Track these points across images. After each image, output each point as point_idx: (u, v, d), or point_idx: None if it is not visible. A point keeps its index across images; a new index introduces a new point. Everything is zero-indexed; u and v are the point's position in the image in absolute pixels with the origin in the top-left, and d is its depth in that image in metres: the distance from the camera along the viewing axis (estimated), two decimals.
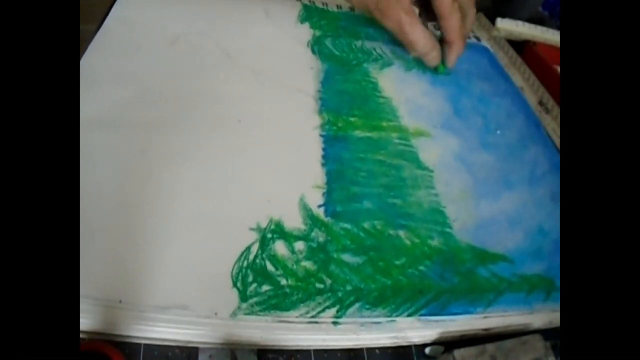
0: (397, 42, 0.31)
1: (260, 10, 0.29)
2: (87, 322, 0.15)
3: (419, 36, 0.27)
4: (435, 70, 0.30)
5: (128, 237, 0.17)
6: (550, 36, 0.36)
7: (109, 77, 0.22)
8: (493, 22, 0.36)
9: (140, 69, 0.23)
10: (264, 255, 0.18)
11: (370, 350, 0.18)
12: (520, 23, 0.36)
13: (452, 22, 0.27)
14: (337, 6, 0.34)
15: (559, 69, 0.33)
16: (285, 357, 0.17)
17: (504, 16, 0.36)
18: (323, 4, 0.34)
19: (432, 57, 0.28)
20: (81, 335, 0.15)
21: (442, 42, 0.28)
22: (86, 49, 0.23)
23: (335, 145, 0.23)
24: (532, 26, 0.36)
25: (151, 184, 0.19)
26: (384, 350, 0.18)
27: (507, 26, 0.36)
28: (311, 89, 0.26)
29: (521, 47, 0.35)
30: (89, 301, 0.15)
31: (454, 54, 0.29)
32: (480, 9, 0.40)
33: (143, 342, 0.16)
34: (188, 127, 0.21)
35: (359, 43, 0.30)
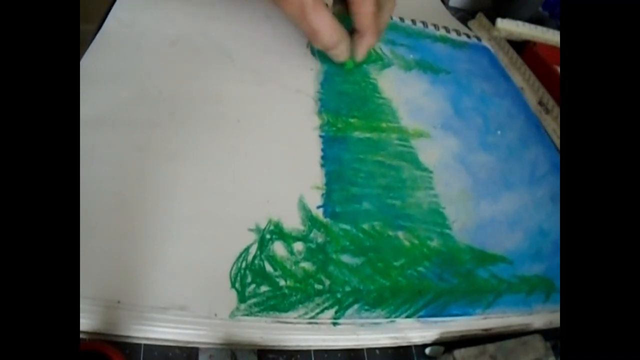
0: (397, 42, 0.31)
1: (260, 11, 0.29)
2: (87, 322, 0.15)
3: (324, 24, 0.22)
4: (341, 66, 0.26)
5: (126, 237, 0.17)
6: (550, 36, 0.36)
7: (109, 76, 0.22)
8: (493, 22, 0.36)
9: (139, 69, 0.23)
10: (263, 256, 0.18)
11: (370, 350, 0.18)
12: (520, 23, 0.36)
13: (364, 8, 0.23)
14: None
15: (559, 69, 0.33)
16: (285, 357, 0.17)
17: (504, 16, 0.36)
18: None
19: (340, 50, 0.24)
20: (81, 335, 0.15)
21: (352, 33, 0.24)
22: (86, 49, 0.23)
23: (334, 146, 0.23)
24: (532, 26, 0.36)
25: (149, 184, 0.19)
26: (383, 350, 0.18)
27: (507, 26, 0.36)
28: (310, 89, 0.26)
29: (521, 47, 0.35)
30: (87, 301, 0.15)
31: (364, 46, 0.24)
32: (480, 9, 0.40)
33: (143, 342, 0.16)
34: (187, 127, 0.21)
35: None
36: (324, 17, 0.22)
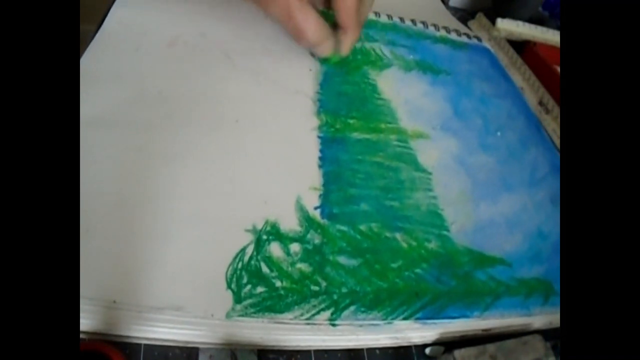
0: (397, 43, 0.31)
1: (259, 11, 0.29)
2: (87, 322, 0.15)
3: (310, 23, 0.23)
4: (325, 60, 0.26)
5: (123, 237, 0.17)
6: (550, 36, 0.36)
7: (108, 76, 0.22)
8: (493, 22, 0.36)
9: (139, 69, 0.23)
10: (259, 257, 0.18)
11: (370, 350, 0.18)
12: (520, 23, 0.36)
13: (347, 3, 0.23)
14: None
15: (559, 69, 0.32)
16: (285, 357, 0.17)
17: (504, 16, 0.36)
18: None
19: (325, 47, 0.25)
20: (81, 335, 0.15)
21: (334, 28, 0.25)
22: (86, 49, 0.23)
23: (332, 147, 0.23)
24: (532, 26, 0.36)
25: (147, 184, 0.19)
26: (384, 350, 0.18)
27: (507, 26, 0.36)
28: (309, 90, 0.25)
29: (521, 47, 0.35)
30: (86, 301, 0.15)
31: (349, 41, 0.25)
32: (480, 9, 0.40)
33: (143, 342, 0.16)
34: (185, 127, 0.21)
35: (358, 44, 0.30)
36: (310, 16, 0.23)
